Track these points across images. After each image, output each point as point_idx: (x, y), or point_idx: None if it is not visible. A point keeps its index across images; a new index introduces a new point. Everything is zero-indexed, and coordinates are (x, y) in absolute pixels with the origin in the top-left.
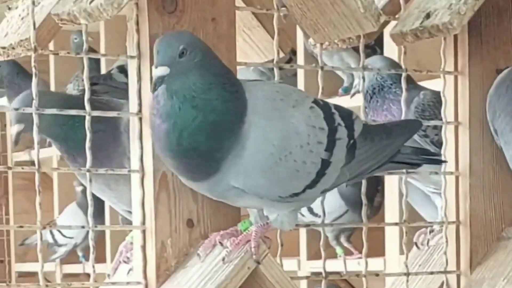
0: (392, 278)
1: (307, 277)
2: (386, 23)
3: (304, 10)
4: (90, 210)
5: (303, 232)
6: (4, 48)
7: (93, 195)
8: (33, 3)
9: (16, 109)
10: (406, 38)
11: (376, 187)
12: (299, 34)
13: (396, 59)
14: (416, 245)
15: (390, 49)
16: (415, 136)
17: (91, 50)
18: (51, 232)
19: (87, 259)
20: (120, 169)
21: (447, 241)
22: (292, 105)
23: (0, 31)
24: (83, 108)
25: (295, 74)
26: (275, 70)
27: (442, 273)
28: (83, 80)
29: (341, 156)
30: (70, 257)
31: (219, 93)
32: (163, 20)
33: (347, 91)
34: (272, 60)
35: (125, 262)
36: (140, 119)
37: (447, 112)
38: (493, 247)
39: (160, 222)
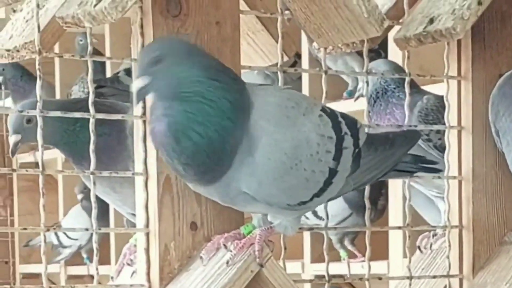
0: (395, 281)
1: (310, 281)
2: (390, 27)
3: (308, 14)
4: (94, 212)
5: (307, 235)
6: (8, 50)
7: (98, 198)
8: (38, 6)
9: (21, 111)
10: (410, 43)
11: (380, 191)
12: (304, 38)
13: (400, 63)
14: (419, 249)
15: (395, 54)
16: (419, 141)
17: (96, 52)
18: (56, 234)
19: (91, 261)
20: (124, 171)
21: (450, 245)
22: (303, 113)
23: (5, 33)
24: (86, 112)
25: (299, 78)
26: (279, 74)
27: (445, 277)
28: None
29: (347, 165)
30: (75, 259)
31: (205, 90)
32: (167, 24)
33: (351, 94)
34: (276, 64)
35: (128, 264)
36: (144, 122)
37: (450, 116)
38: (496, 251)
39: (163, 225)
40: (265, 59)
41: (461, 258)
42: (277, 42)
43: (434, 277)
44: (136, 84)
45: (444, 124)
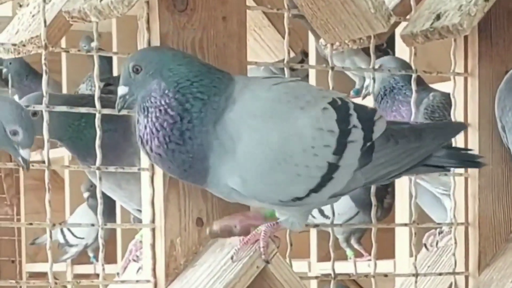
0: (401, 279)
1: (316, 277)
2: (397, 24)
3: (315, 10)
4: (100, 208)
5: (313, 234)
6: (15, 45)
7: (104, 195)
8: (44, 0)
9: (27, 106)
10: (417, 39)
11: (386, 188)
12: (311, 34)
13: (408, 60)
14: (425, 246)
15: (402, 51)
16: None
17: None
18: (62, 232)
19: (98, 260)
20: (130, 167)
21: (456, 243)
22: (301, 106)
23: (11, 28)
24: (91, 108)
25: (306, 76)
26: (286, 70)
27: (451, 274)
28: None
29: (353, 160)
30: (81, 258)
31: (181, 97)
32: (174, 19)
33: (358, 93)
34: (283, 60)
35: (134, 260)
36: None
37: (457, 113)
38: (502, 248)
39: (169, 220)
40: (271, 55)
41: (467, 255)
42: (283, 38)
43: (440, 274)
44: (118, 92)
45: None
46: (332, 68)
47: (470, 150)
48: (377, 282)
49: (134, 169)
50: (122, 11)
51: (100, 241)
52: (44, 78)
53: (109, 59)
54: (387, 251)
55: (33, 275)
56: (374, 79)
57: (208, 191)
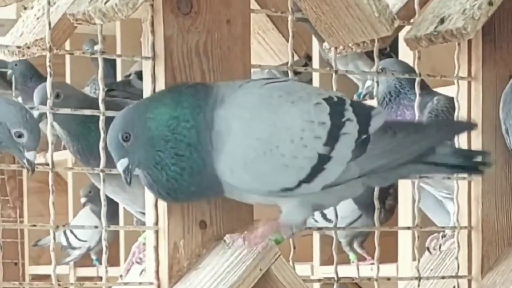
0: (403, 282)
1: (319, 280)
2: (400, 28)
3: (319, 14)
4: (103, 210)
5: (316, 238)
6: (19, 47)
7: (107, 199)
8: (49, 3)
9: (32, 108)
10: (420, 43)
11: (388, 190)
12: (315, 38)
13: (411, 65)
14: (428, 250)
15: (406, 55)
16: None
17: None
18: (65, 235)
19: (101, 263)
20: None
21: (459, 246)
22: (292, 101)
23: (15, 30)
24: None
25: (310, 80)
26: (289, 73)
27: (454, 278)
28: None
29: (347, 151)
30: (84, 261)
31: (176, 135)
32: (178, 22)
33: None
34: (287, 63)
35: (137, 262)
36: None
37: (460, 117)
38: (505, 252)
39: (173, 223)
40: (275, 58)
41: (470, 259)
42: (287, 41)
43: (443, 278)
44: (119, 168)
45: None
46: (336, 71)
47: (480, 152)
48: (380, 285)
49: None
50: (126, 13)
51: (104, 243)
52: (49, 80)
53: (113, 63)
54: (390, 254)
55: (36, 278)
56: (377, 82)
57: None
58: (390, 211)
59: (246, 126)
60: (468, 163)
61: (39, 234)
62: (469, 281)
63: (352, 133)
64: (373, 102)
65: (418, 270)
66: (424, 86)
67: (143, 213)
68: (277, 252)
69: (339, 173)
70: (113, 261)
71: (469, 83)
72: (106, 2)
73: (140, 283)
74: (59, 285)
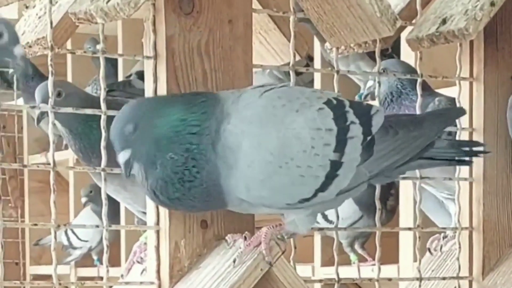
0: (405, 283)
1: (320, 281)
2: (402, 28)
3: (321, 13)
4: (105, 209)
5: (317, 239)
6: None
7: (108, 198)
8: (51, 2)
9: (33, 107)
10: (422, 44)
11: (389, 191)
12: (316, 39)
13: (413, 65)
14: (429, 251)
15: (407, 55)
16: None
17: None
18: (66, 235)
19: (102, 263)
20: None
21: (460, 247)
22: (296, 109)
23: (17, 29)
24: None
25: (311, 81)
26: (291, 73)
27: (455, 279)
28: None
29: (355, 155)
30: (85, 261)
31: (180, 139)
32: (180, 21)
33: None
34: (288, 63)
35: (138, 262)
36: None
37: (462, 118)
38: (506, 253)
39: (174, 222)
40: (277, 58)
41: (471, 260)
42: (289, 41)
43: (444, 278)
44: (120, 159)
45: (455, 125)
46: (338, 72)
47: (474, 142)
48: (381, 286)
49: None
50: (128, 13)
51: (105, 242)
52: (50, 79)
53: (114, 62)
54: (391, 255)
55: (37, 277)
56: (379, 83)
57: None
58: (391, 212)
59: (257, 141)
60: (463, 154)
61: (40, 234)
62: (470, 282)
63: (357, 136)
64: (374, 103)
65: (419, 271)
66: (426, 87)
67: (145, 213)
68: (278, 252)
69: (350, 178)
70: (114, 261)
71: (471, 84)
72: (108, 1)
73: (141, 283)
74: (60, 284)
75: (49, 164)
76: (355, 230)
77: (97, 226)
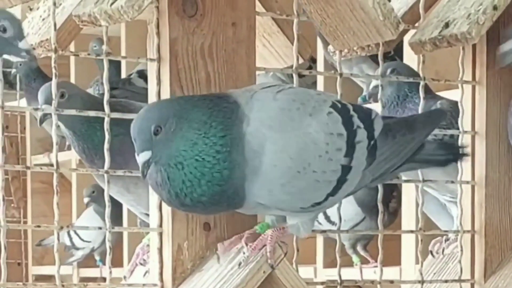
0: (407, 285)
1: (322, 283)
2: (405, 31)
3: (324, 17)
4: (108, 211)
5: (320, 240)
6: None
7: (111, 200)
8: (54, 4)
9: (36, 109)
10: (425, 47)
11: (391, 193)
12: (319, 41)
13: (416, 68)
14: (431, 254)
15: (410, 59)
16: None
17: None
18: (69, 235)
19: (104, 263)
20: (138, 171)
21: (462, 250)
22: (309, 113)
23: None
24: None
25: (314, 83)
26: (294, 76)
27: (457, 282)
28: (103, 84)
29: (362, 159)
30: (87, 261)
31: (208, 141)
32: (183, 24)
33: (366, 100)
34: (292, 66)
35: (141, 264)
36: None
37: (464, 121)
38: (508, 256)
39: (177, 225)
40: (280, 61)
41: (473, 263)
42: (292, 44)
43: (446, 281)
44: (139, 159)
45: (457, 129)
46: (341, 74)
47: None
48: None
49: None
50: (132, 15)
51: (108, 244)
52: (54, 81)
53: (117, 64)
54: (393, 258)
55: (39, 278)
56: (382, 85)
57: None
58: (393, 214)
59: (278, 146)
60: (449, 155)
61: (43, 235)
62: (472, 285)
63: (363, 140)
64: (377, 105)
65: (421, 274)
66: (428, 90)
67: (148, 215)
68: (280, 255)
69: (357, 182)
70: (117, 262)
71: (474, 88)
72: (111, 4)
73: (143, 285)
74: (62, 285)
75: (52, 165)
76: (357, 233)
77: (100, 228)
